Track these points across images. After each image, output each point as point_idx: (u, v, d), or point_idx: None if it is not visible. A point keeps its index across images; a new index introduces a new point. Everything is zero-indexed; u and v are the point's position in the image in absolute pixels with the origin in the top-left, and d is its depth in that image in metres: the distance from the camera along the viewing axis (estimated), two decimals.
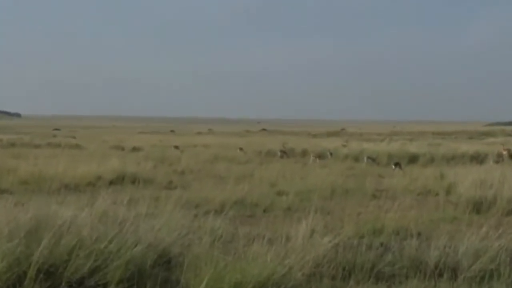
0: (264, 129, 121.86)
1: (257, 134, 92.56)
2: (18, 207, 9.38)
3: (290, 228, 9.20)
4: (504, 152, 33.20)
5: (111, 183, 19.60)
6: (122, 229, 8.24)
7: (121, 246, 7.65)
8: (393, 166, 26.34)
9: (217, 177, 22.24)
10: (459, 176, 18.72)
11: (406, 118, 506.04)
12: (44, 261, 7.21)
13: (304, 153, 37.05)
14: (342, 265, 8.06)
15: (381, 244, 8.97)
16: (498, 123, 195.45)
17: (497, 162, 29.14)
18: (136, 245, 7.75)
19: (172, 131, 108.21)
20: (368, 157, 31.09)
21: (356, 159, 32.68)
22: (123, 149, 41.25)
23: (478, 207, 14.50)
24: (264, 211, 14.49)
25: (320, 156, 33.13)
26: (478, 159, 31.99)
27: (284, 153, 35.80)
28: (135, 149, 40.83)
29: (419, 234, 9.72)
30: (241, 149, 38.31)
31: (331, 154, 34.32)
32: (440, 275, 8.04)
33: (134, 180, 19.34)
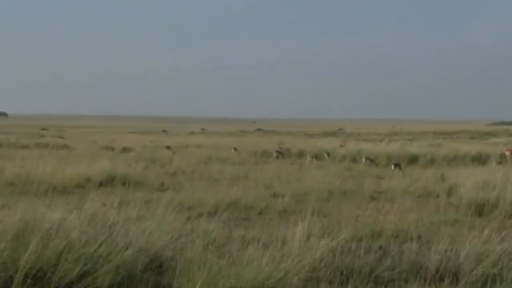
0: (259, 129, 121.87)
1: (252, 134, 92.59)
2: (4, 210, 9.41)
3: (286, 231, 9.22)
4: (507, 153, 33.28)
5: (100, 184, 19.59)
6: (112, 232, 8.25)
7: (111, 250, 7.65)
8: (393, 167, 26.38)
9: (210, 178, 22.24)
10: (460, 177, 18.77)
11: (406, 117, 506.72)
12: (32, 265, 7.21)
13: (301, 153, 37.04)
14: (339, 269, 8.08)
15: (380, 248, 8.98)
16: (501, 123, 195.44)
17: (499, 163, 29.20)
18: (126, 249, 7.76)
19: (164, 131, 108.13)
20: (367, 158, 31.14)
21: (354, 160, 32.74)
22: (113, 149, 41.24)
23: (480, 209, 14.53)
24: (259, 213, 14.50)
25: (317, 156, 33.13)
26: (480, 160, 32.03)
27: (280, 154, 35.80)
28: (125, 149, 40.80)
29: (419, 237, 9.75)
30: (235, 149, 38.35)
31: (328, 154, 34.34)
32: (441, 279, 8.06)
33: (124, 182, 19.29)
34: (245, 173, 23.14)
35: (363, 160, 30.86)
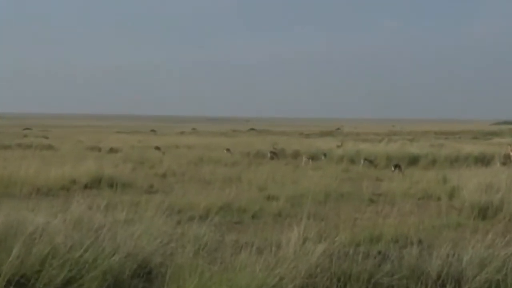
0: (252, 129, 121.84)
1: (245, 134, 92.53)
2: None
3: (280, 235, 9.21)
4: None
5: (86, 187, 19.59)
6: (98, 236, 8.23)
7: (97, 255, 7.64)
8: (393, 168, 26.45)
9: (201, 180, 22.25)
10: (463, 179, 18.82)
11: (407, 117, 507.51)
12: (15, 271, 7.19)
13: (296, 154, 37.12)
14: (337, 275, 8.06)
15: (379, 253, 8.98)
16: (506, 122, 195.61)
17: (504, 164, 29.28)
18: (113, 254, 7.74)
19: (152, 130, 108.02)
20: (365, 159, 31.20)
21: (352, 160, 32.80)
22: (99, 150, 41.22)
23: (484, 212, 14.56)
24: (253, 217, 14.51)
25: (313, 157, 33.20)
26: (483, 160, 32.13)
27: (274, 155, 35.84)
28: (112, 150, 40.74)
29: (420, 241, 9.74)
30: (227, 150, 38.36)
31: (325, 155, 34.39)
32: (443, 286, 8.06)
33: (111, 184, 19.25)
34: (238, 174, 23.14)
35: (362, 161, 30.91)
